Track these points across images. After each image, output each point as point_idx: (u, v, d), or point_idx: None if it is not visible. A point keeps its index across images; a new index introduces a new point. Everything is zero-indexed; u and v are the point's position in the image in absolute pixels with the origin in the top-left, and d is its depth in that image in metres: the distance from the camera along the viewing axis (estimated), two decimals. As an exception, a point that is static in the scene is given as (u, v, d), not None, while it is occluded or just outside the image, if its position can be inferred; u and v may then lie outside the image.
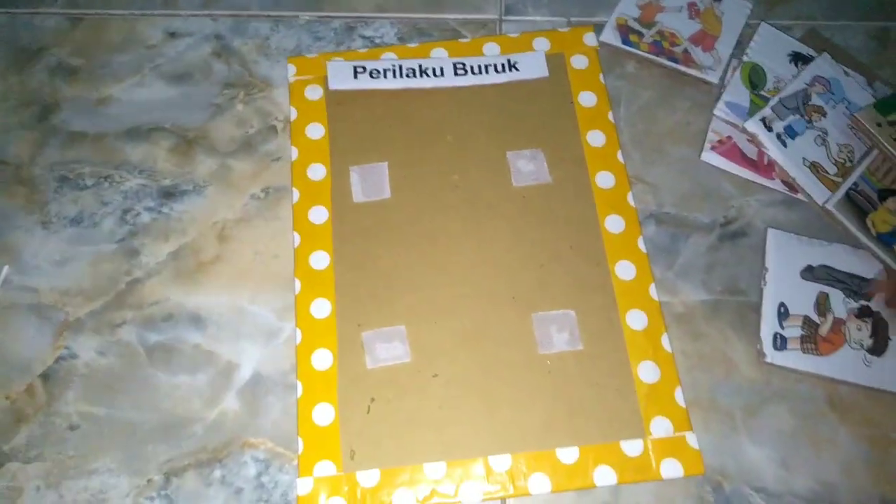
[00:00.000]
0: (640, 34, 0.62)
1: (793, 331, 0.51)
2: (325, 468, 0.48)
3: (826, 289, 0.52)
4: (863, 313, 0.52)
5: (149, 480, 0.49)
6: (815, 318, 0.52)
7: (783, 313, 0.52)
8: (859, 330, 0.51)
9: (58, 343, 0.53)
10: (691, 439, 0.48)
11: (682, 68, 0.61)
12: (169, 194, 0.58)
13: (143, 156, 0.59)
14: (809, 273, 0.53)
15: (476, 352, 0.51)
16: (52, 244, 0.56)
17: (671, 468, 0.47)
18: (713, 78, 0.60)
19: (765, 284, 0.53)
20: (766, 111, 0.56)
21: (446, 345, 0.51)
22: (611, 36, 0.62)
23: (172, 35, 0.64)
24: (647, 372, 0.50)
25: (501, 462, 0.48)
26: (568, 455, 0.47)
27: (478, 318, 0.51)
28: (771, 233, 0.54)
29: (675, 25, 0.63)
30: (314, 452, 0.48)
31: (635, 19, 0.63)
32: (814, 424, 0.50)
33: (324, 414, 0.49)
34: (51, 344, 0.53)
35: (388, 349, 0.51)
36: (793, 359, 0.50)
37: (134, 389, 0.52)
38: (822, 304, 0.52)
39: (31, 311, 0.54)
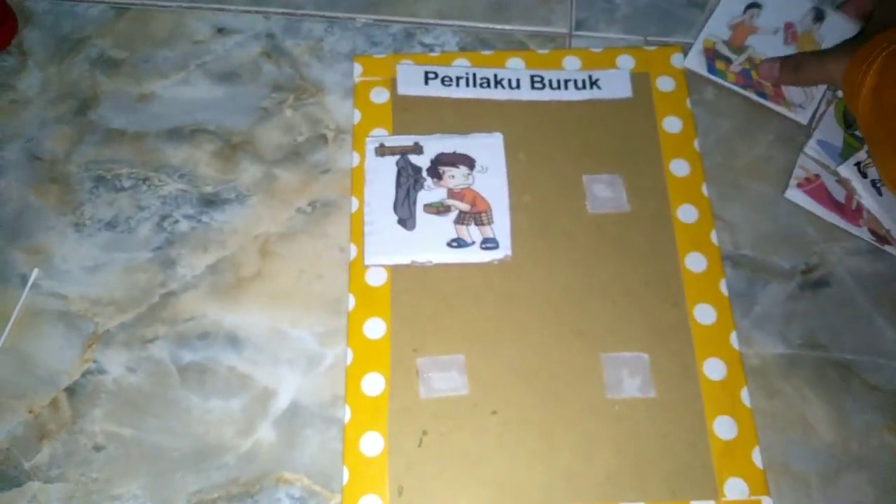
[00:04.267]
0: (728, 60, 0.61)
1: None
2: (371, 503, 0.48)
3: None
4: None
5: (176, 511, 0.50)
6: None
7: None
8: None
9: (86, 356, 0.54)
10: (768, 505, 0.48)
11: (771, 105, 0.60)
12: (210, 202, 0.59)
13: (185, 159, 0.60)
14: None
15: (539, 390, 0.51)
16: (85, 248, 0.57)
17: (744, 534, 0.47)
18: (802, 118, 0.60)
19: None
20: (862, 155, 0.56)
21: (507, 379, 0.51)
22: (696, 61, 0.62)
23: (221, 31, 0.65)
24: (723, 428, 0.50)
25: (561, 514, 0.48)
26: (633, 512, 0.48)
27: (542, 354, 0.52)
28: None
29: (769, 51, 0.62)
30: (360, 484, 0.49)
31: (725, 42, 0.62)
32: (894, 498, 0.50)
33: (372, 443, 0.50)
34: (79, 356, 0.54)
35: (444, 379, 0.51)
36: None
37: (164, 411, 0.52)
38: None
39: (59, 319, 0.55)
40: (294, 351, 0.54)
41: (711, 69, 0.61)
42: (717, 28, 0.62)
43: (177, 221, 0.58)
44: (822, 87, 0.61)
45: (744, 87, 0.61)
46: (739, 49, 0.62)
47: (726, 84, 0.61)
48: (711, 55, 0.62)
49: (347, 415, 0.51)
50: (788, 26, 0.62)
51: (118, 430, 0.52)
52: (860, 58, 0.51)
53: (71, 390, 0.53)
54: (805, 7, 0.63)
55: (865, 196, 0.56)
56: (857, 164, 0.56)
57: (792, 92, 0.61)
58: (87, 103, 0.62)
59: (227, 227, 0.58)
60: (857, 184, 0.56)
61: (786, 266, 0.56)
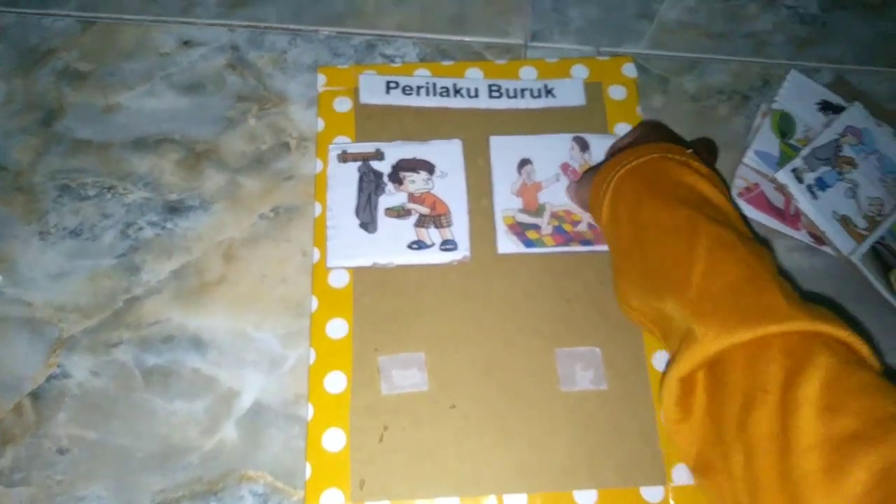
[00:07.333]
0: (537, 227, 0.59)
1: None
2: (333, 497, 0.50)
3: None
4: None
5: (140, 511, 0.51)
6: None
7: None
8: None
9: (50, 361, 0.55)
10: (714, 490, 0.51)
11: (597, 248, 0.58)
12: (174, 209, 0.61)
13: (149, 168, 0.62)
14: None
15: (496, 385, 0.53)
16: (50, 256, 0.59)
17: (692, 518, 0.50)
18: None
19: None
20: (798, 162, 0.60)
21: (466, 375, 0.54)
22: (508, 244, 0.58)
23: (186, 44, 0.67)
24: (670, 417, 0.52)
25: (517, 501, 0.50)
26: (586, 498, 0.50)
27: (500, 350, 0.54)
28: None
29: (564, 200, 0.60)
30: (322, 479, 0.51)
31: (521, 210, 0.59)
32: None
33: (334, 439, 0.52)
34: (43, 361, 0.55)
35: (405, 376, 0.54)
36: None
37: (128, 414, 0.54)
38: None
39: (23, 325, 0.56)
40: (257, 352, 0.56)
41: (528, 243, 0.58)
42: (505, 202, 0.60)
43: (141, 228, 0.60)
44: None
45: (565, 243, 0.58)
46: (538, 210, 0.59)
47: (547, 251, 0.58)
48: (519, 230, 0.59)
49: (310, 412, 0.53)
50: (565, 167, 0.61)
51: (82, 434, 0.53)
52: (597, 182, 0.51)
53: (35, 395, 0.54)
54: (567, 141, 0.62)
55: (802, 200, 0.59)
56: (794, 170, 0.60)
57: None
58: (53, 114, 0.64)
59: (192, 233, 0.60)
60: (794, 189, 0.59)
61: (731, 265, 0.60)
